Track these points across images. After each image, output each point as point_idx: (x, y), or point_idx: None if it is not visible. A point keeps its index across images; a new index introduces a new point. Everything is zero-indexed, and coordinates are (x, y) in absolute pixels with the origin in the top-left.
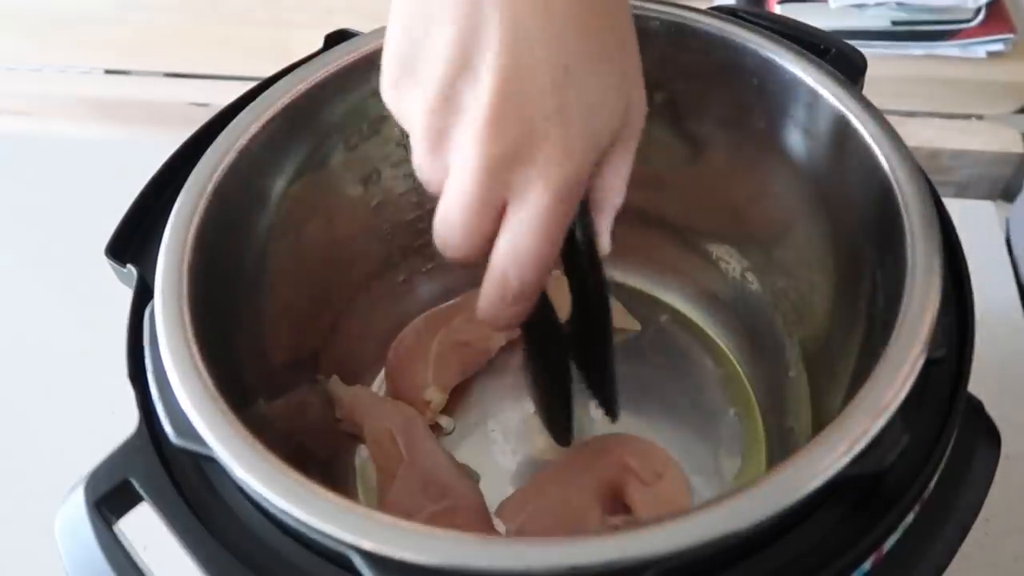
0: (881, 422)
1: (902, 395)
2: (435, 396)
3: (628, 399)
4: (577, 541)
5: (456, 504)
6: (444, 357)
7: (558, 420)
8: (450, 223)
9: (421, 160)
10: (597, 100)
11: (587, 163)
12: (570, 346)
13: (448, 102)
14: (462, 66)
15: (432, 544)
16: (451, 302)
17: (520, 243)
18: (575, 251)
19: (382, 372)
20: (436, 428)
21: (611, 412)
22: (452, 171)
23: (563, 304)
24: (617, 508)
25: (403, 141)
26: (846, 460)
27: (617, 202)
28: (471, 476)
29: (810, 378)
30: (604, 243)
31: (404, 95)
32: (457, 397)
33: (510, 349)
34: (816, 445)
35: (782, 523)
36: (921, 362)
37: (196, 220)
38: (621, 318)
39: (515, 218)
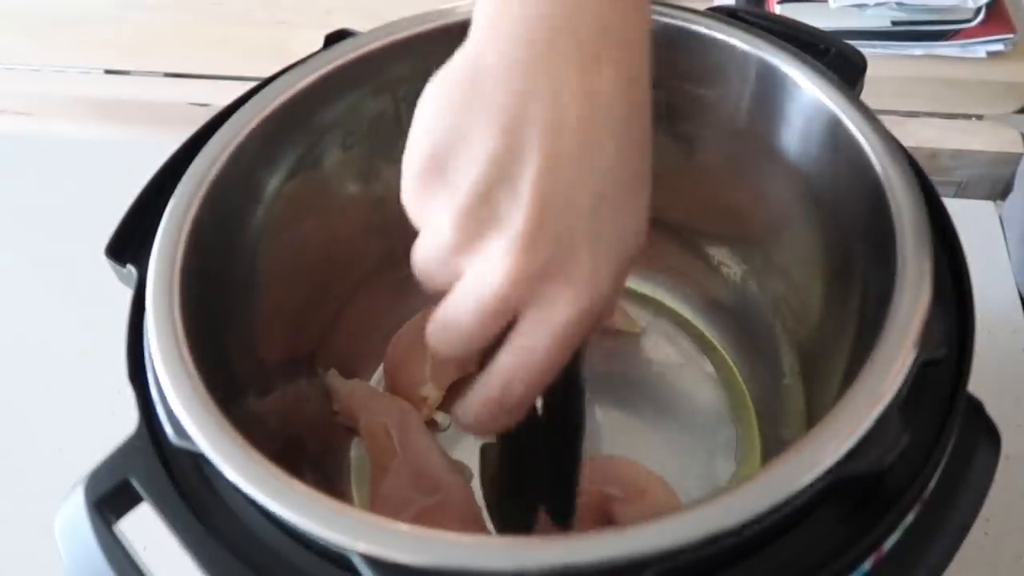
0: (869, 420)
1: (890, 393)
2: (431, 392)
3: (625, 401)
4: (570, 540)
5: (446, 499)
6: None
7: (516, 522)
8: (454, 325)
9: (433, 261)
10: (625, 226)
11: (612, 286)
12: (540, 448)
13: (482, 210)
14: (500, 177)
15: (425, 545)
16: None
17: (533, 357)
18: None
19: (380, 367)
20: (432, 424)
21: (564, 519)
22: (469, 276)
23: None
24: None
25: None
26: (836, 457)
27: (609, 317)
28: (464, 473)
29: (805, 383)
30: (584, 354)
31: (430, 195)
32: (454, 394)
33: None
34: (807, 443)
35: (781, 523)
36: (911, 360)
37: (189, 220)
38: (623, 319)
39: (532, 332)
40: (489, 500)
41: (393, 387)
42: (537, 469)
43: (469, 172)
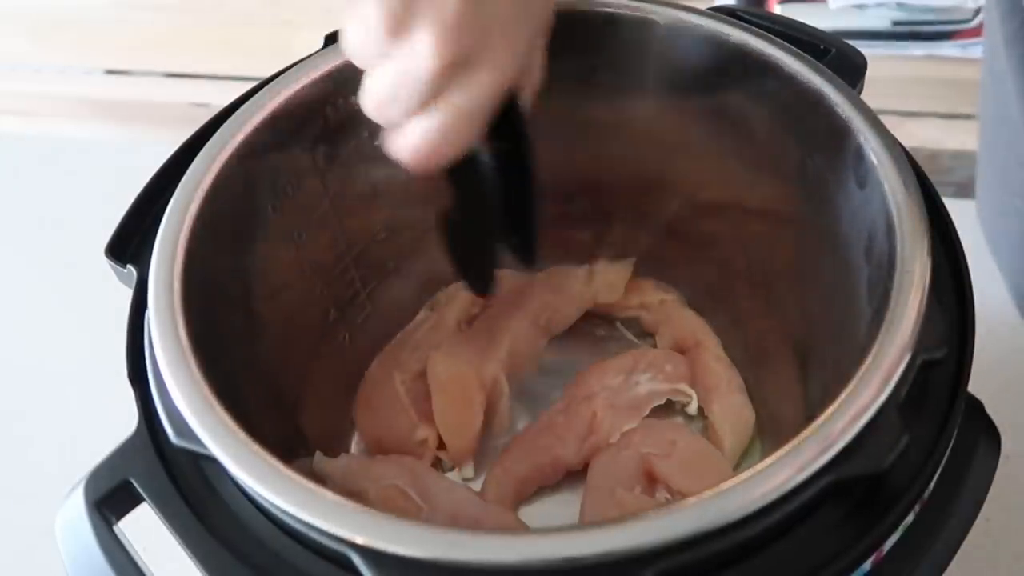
0: (866, 417)
1: (887, 392)
2: (428, 433)
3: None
4: (569, 533)
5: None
6: (414, 393)
7: (480, 268)
8: (386, 102)
9: (364, 46)
10: (537, 11)
11: (525, 59)
12: (494, 194)
13: (407, 2)
14: None
15: (427, 538)
16: (390, 345)
17: (455, 120)
18: (505, 116)
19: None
20: (437, 466)
21: (528, 260)
22: (398, 63)
23: None
24: (655, 485)
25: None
26: (834, 453)
27: (536, 83)
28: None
29: (804, 382)
30: (527, 107)
31: None
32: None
33: None
34: (805, 440)
35: (781, 523)
36: (908, 359)
37: (190, 219)
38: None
39: (453, 101)
40: (455, 259)
41: (380, 448)
42: (493, 214)
43: None
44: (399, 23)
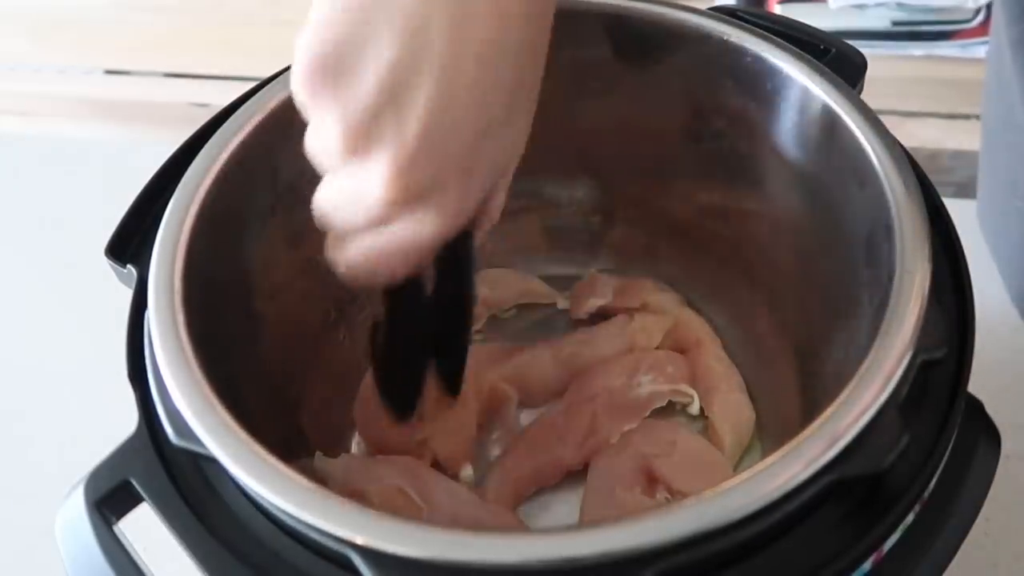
0: (867, 417)
1: (887, 392)
2: (428, 434)
3: None
4: (569, 533)
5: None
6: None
7: (401, 389)
8: (332, 207)
9: (319, 156)
10: (502, 154)
11: (475, 207)
12: (430, 323)
13: (369, 126)
14: (392, 96)
15: (427, 538)
16: None
17: (397, 253)
18: (454, 247)
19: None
20: (436, 466)
21: (452, 389)
22: (347, 183)
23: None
24: (655, 486)
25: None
26: (834, 453)
27: (494, 220)
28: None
29: (804, 381)
30: (478, 242)
31: (321, 93)
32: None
33: None
34: (805, 440)
35: (782, 523)
36: (909, 359)
37: (190, 219)
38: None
39: (397, 234)
40: (378, 376)
41: (381, 448)
42: (426, 342)
43: (363, 84)
44: (357, 146)
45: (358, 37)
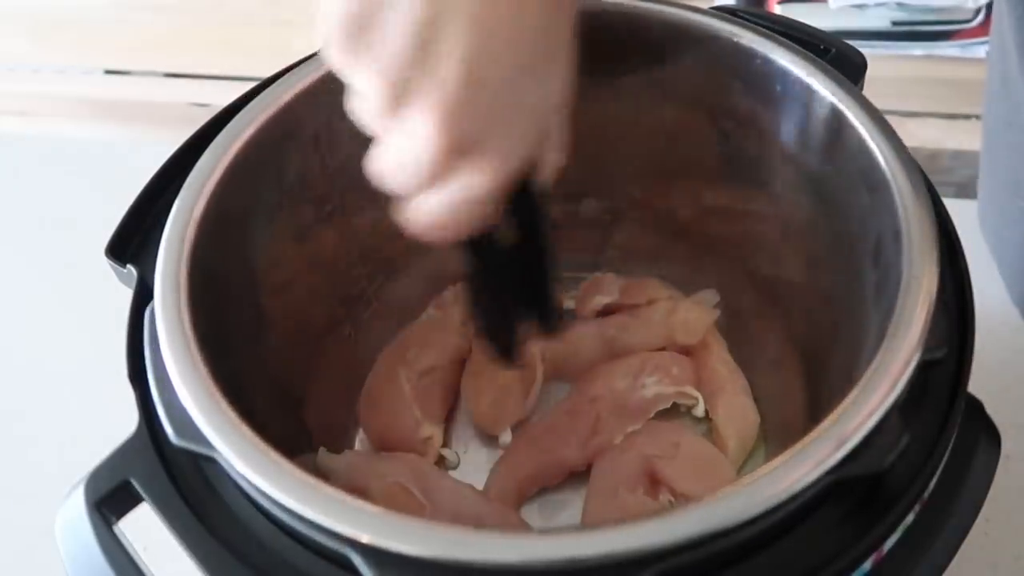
0: (872, 421)
1: (893, 395)
2: (434, 431)
3: None
4: (572, 534)
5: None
6: (420, 391)
7: (502, 338)
8: (389, 169)
9: (363, 117)
10: (545, 93)
11: (529, 153)
12: (512, 266)
13: (406, 80)
14: (425, 46)
15: (430, 537)
16: (395, 342)
17: (454, 210)
18: (521, 194)
19: (359, 433)
20: (441, 463)
21: (550, 329)
22: (394, 142)
23: None
24: (658, 487)
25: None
26: (838, 457)
27: (557, 163)
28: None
29: (808, 383)
30: (546, 189)
31: (354, 56)
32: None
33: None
34: (809, 443)
35: (782, 523)
36: (915, 362)
37: (195, 218)
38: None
39: (455, 188)
40: (478, 329)
41: (384, 445)
42: (516, 289)
43: (394, 38)
44: (397, 101)
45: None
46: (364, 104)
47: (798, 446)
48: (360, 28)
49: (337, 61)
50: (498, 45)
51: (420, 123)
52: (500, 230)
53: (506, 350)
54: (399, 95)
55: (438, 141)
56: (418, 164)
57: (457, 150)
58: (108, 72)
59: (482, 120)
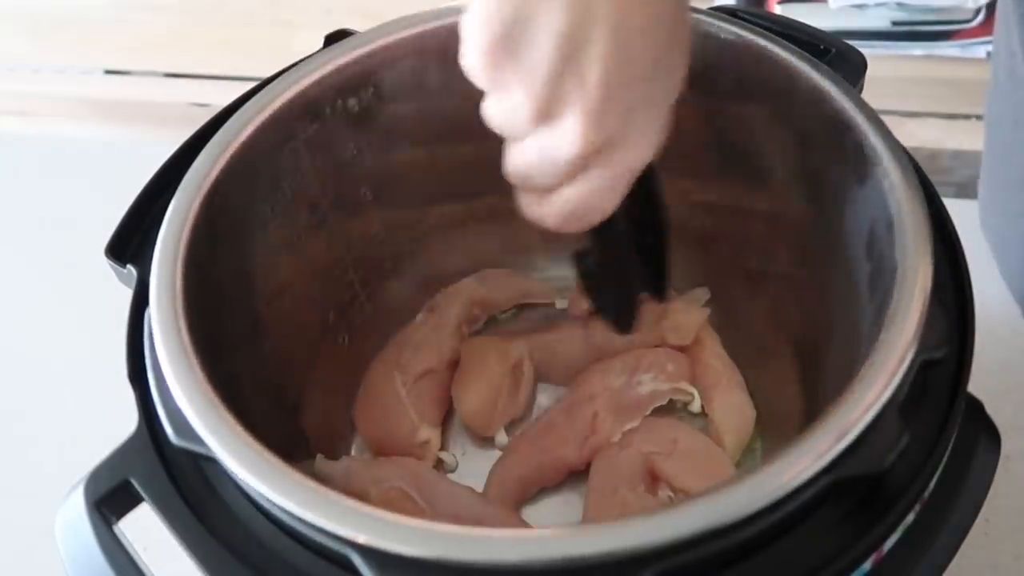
0: (868, 418)
1: (888, 392)
2: (431, 434)
3: None
4: (570, 533)
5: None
6: (415, 394)
7: (619, 307)
8: (528, 170)
9: (509, 126)
10: (673, 85)
11: (660, 140)
12: (630, 242)
13: (554, 87)
14: (570, 55)
15: (430, 537)
16: (389, 346)
17: (597, 195)
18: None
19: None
20: (439, 466)
21: (661, 294)
22: (543, 142)
23: None
24: (657, 484)
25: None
26: (835, 454)
27: (662, 143)
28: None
29: (805, 381)
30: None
31: (500, 71)
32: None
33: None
34: (806, 440)
35: (782, 523)
36: (910, 359)
37: (191, 219)
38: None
39: (597, 178)
40: (595, 299)
41: (382, 450)
42: (631, 261)
43: (540, 52)
44: (547, 111)
45: (528, 10)
46: (507, 112)
47: (795, 442)
48: (506, 45)
49: (483, 73)
50: (637, 47)
51: (567, 128)
52: (620, 212)
53: (628, 320)
54: (548, 105)
55: (584, 141)
56: (564, 163)
57: (599, 150)
58: (108, 72)
59: (623, 117)
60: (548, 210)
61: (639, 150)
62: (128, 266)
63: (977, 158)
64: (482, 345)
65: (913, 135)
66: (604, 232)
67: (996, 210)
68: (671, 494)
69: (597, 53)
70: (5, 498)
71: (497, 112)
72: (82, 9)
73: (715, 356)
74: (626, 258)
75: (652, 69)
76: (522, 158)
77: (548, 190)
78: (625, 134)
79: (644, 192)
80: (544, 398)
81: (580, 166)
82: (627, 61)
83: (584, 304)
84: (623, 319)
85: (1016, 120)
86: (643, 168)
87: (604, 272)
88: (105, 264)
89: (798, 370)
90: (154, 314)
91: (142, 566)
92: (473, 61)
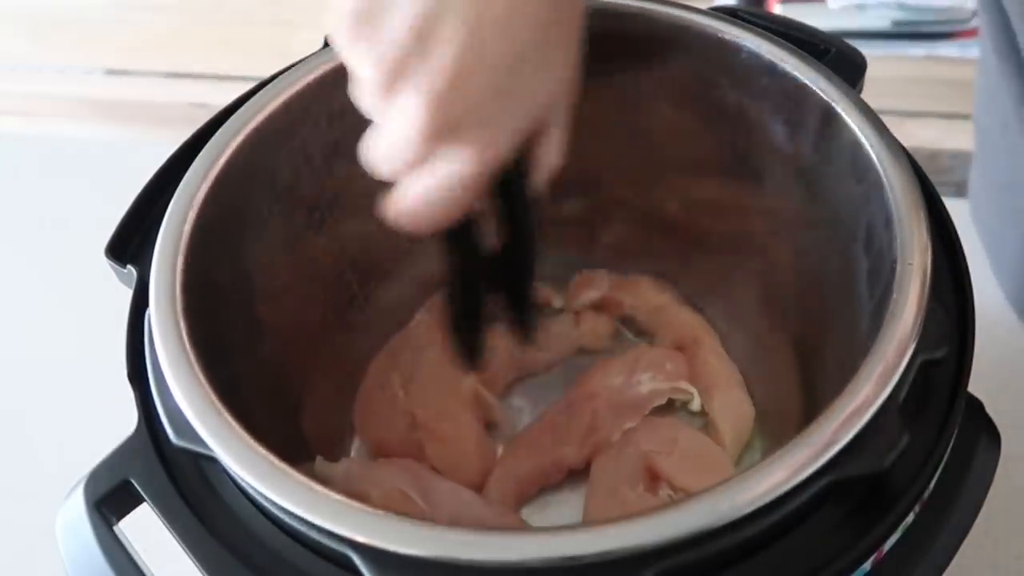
0: (866, 417)
1: (887, 391)
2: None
3: None
4: (569, 532)
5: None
6: (414, 395)
7: (472, 340)
8: (378, 155)
9: (361, 99)
10: (537, 86)
11: (515, 143)
12: (492, 270)
13: (404, 65)
14: (425, 33)
15: (428, 537)
16: (388, 347)
17: (435, 194)
18: (511, 192)
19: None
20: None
21: (525, 338)
22: (394, 117)
23: None
24: (658, 483)
25: None
26: (833, 452)
27: (554, 164)
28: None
29: (804, 381)
30: (538, 189)
31: (357, 38)
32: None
33: None
34: (804, 439)
35: (782, 523)
36: (908, 358)
37: (191, 220)
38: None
39: (440, 171)
40: (447, 324)
41: (381, 450)
42: (494, 290)
43: (394, 26)
44: (391, 86)
45: None
46: (363, 87)
47: (795, 440)
48: (366, 16)
49: (341, 46)
50: (491, 37)
51: (409, 107)
52: (485, 227)
53: (472, 353)
54: (394, 79)
55: (425, 123)
56: (405, 146)
57: (443, 134)
58: (108, 72)
59: (470, 107)
60: (394, 202)
61: (491, 148)
62: (128, 266)
63: None
64: (437, 403)
65: (913, 135)
66: (460, 247)
67: (990, 211)
68: (671, 493)
69: (448, 35)
70: (5, 498)
71: (355, 88)
72: (82, 9)
73: (714, 355)
74: (483, 282)
75: (510, 62)
76: (375, 140)
77: (395, 179)
78: (473, 127)
79: (511, 207)
80: (548, 399)
81: (424, 152)
82: (479, 49)
83: (582, 297)
84: (468, 351)
85: (1004, 124)
86: (501, 173)
87: (460, 295)
88: (105, 264)
89: (797, 368)
90: (154, 314)
91: (142, 566)
92: (335, 31)
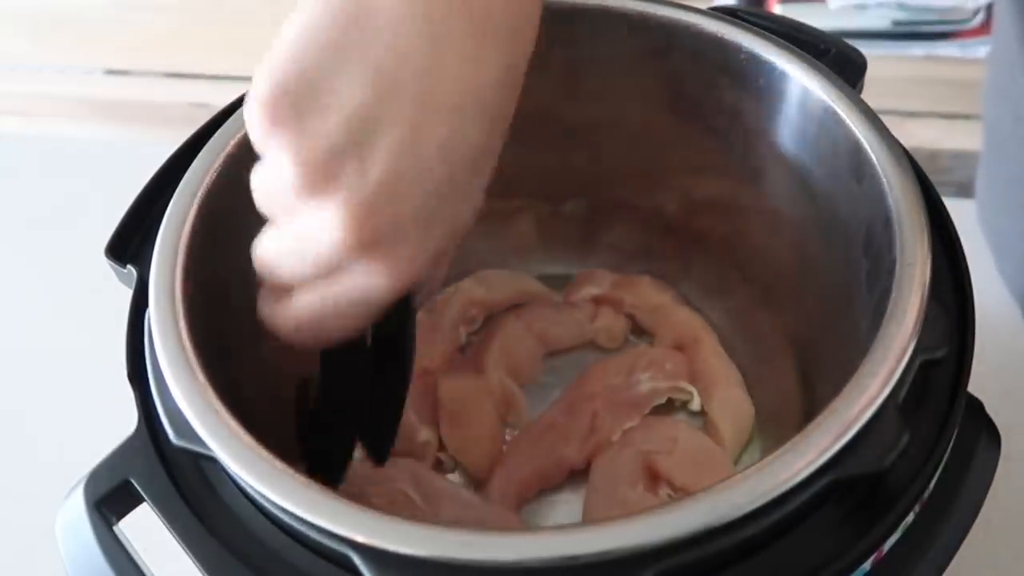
0: (866, 417)
1: (886, 391)
2: (430, 435)
3: None
4: (568, 532)
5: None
6: (414, 395)
7: (332, 457)
8: (278, 256)
9: (272, 195)
10: (458, 215)
11: (430, 265)
12: (366, 389)
13: (329, 165)
14: (357, 138)
15: (428, 537)
16: None
17: (334, 312)
18: (396, 306)
19: None
20: (438, 467)
21: (379, 457)
22: (300, 226)
23: None
24: (658, 482)
25: None
26: (833, 452)
27: (433, 291)
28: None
29: (804, 381)
30: (419, 304)
31: (280, 126)
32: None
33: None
34: (804, 439)
35: (782, 523)
36: (908, 358)
37: (190, 219)
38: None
39: (344, 289)
40: (303, 438)
41: None
42: (358, 404)
43: (328, 121)
44: (316, 186)
45: (328, 72)
46: (274, 181)
47: (795, 440)
48: (297, 100)
49: (261, 127)
50: (431, 161)
51: (332, 212)
52: (360, 343)
53: (333, 471)
54: (318, 181)
55: (346, 236)
56: (318, 255)
57: (363, 247)
58: (108, 72)
59: (395, 226)
60: (284, 312)
61: (408, 268)
62: (128, 266)
63: (977, 158)
64: (462, 389)
65: (913, 135)
66: (334, 360)
67: (995, 207)
68: (671, 493)
69: (387, 145)
70: (5, 498)
71: (263, 179)
72: (82, 9)
73: (713, 354)
74: (348, 398)
75: (442, 188)
76: (275, 240)
77: (290, 288)
78: (391, 247)
79: (395, 324)
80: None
81: (335, 265)
82: (417, 168)
83: (582, 293)
84: (325, 468)
85: (1016, 116)
86: (397, 300)
87: (325, 409)
88: (105, 264)
89: (797, 368)
90: (154, 314)
91: (142, 566)
92: (252, 110)
